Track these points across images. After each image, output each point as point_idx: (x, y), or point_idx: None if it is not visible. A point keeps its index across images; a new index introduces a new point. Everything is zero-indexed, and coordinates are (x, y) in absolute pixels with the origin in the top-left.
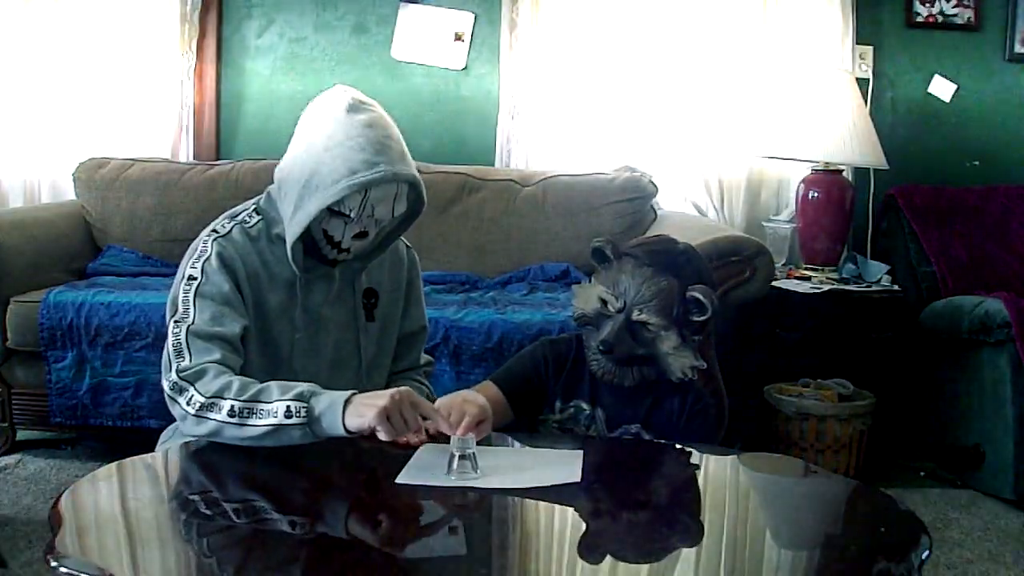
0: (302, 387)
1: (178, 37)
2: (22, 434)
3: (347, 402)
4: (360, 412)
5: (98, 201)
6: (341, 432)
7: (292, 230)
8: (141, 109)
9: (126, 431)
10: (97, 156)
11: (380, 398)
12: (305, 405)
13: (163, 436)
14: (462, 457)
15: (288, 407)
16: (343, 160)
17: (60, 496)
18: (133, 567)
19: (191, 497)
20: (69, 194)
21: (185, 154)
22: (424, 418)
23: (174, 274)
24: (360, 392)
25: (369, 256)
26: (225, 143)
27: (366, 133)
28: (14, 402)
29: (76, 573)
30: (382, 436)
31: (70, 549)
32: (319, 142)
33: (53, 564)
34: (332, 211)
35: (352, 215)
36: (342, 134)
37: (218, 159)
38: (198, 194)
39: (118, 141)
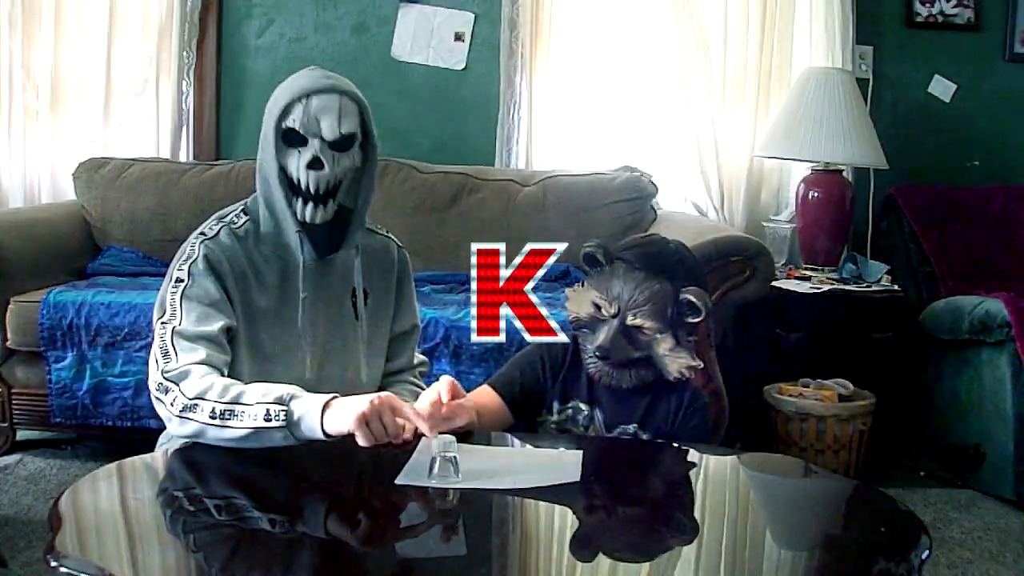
0: (282, 390)
1: (178, 37)
2: (22, 434)
3: (326, 406)
4: (339, 416)
5: (98, 201)
6: (320, 436)
7: (268, 178)
8: (141, 109)
9: (126, 431)
10: (97, 156)
11: (359, 403)
12: (284, 408)
13: (163, 436)
14: (444, 460)
15: (267, 410)
16: (288, 87)
17: (60, 496)
18: (133, 567)
19: (186, 501)
20: (69, 194)
21: (185, 154)
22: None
23: None
24: (343, 396)
25: (347, 236)
26: (225, 143)
27: (313, 73)
28: (14, 402)
29: (76, 573)
30: (360, 442)
31: (70, 549)
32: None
33: (53, 564)
34: (285, 141)
35: (297, 127)
36: (291, 80)
37: (218, 159)
38: (198, 194)
39: (118, 141)
